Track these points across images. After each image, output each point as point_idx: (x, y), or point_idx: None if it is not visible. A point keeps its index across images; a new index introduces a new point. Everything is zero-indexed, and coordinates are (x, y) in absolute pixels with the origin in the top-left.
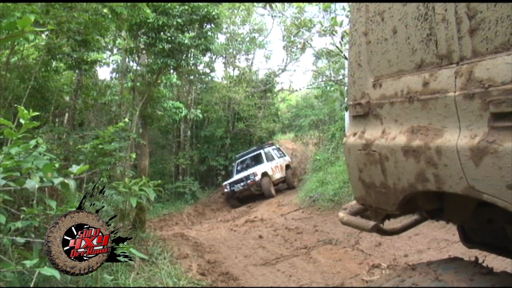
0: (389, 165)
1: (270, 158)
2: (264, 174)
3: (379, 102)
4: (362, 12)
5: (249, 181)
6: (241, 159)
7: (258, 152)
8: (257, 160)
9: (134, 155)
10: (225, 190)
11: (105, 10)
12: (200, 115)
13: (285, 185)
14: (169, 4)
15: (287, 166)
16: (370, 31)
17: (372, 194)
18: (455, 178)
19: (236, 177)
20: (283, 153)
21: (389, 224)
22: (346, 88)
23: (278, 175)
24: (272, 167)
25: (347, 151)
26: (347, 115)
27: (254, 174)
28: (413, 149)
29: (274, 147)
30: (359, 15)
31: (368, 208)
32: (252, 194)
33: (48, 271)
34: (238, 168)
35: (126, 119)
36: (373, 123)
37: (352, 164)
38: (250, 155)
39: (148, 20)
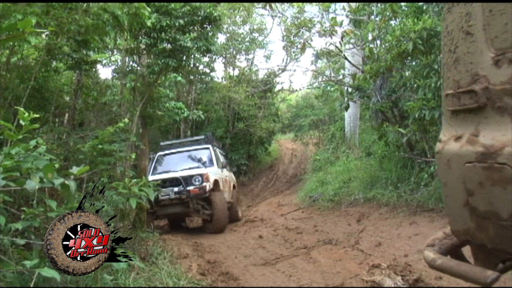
0: None
1: (220, 163)
2: (216, 184)
3: (506, 87)
4: None
5: (191, 187)
6: (167, 151)
7: (204, 146)
8: (199, 159)
9: (134, 155)
10: None
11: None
12: (202, 116)
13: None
14: (172, 5)
15: (234, 187)
16: None
17: (490, 228)
18: None
19: (159, 176)
20: (228, 166)
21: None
22: (346, 88)
23: (226, 195)
24: (223, 178)
25: (445, 163)
26: (347, 115)
27: (204, 178)
28: None
29: (220, 150)
30: None
31: (477, 247)
32: (186, 215)
33: (48, 272)
34: (158, 164)
35: (126, 120)
36: (495, 120)
37: (454, 182)
38: (187, 149)
39: (150, 21)
